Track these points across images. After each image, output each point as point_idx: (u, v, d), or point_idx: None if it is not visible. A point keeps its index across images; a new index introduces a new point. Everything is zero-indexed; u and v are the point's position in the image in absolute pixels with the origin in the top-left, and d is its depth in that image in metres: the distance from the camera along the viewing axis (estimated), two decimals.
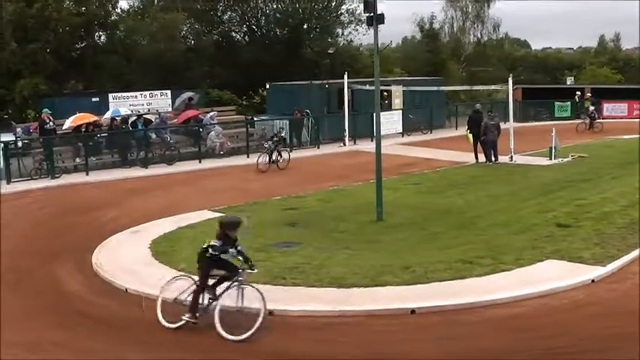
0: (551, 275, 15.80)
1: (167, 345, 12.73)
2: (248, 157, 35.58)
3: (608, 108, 58.85)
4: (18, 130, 34.49)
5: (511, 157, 33.66)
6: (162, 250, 18.46)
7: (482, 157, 33.57)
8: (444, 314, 13.71)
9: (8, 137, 31.92)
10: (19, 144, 32.30)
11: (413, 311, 13.77)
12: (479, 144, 33.94)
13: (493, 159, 33.27)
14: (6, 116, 46.19)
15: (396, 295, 14.54)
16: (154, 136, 34.59)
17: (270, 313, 13.79)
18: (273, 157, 32.02)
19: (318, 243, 18.57)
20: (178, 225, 21.18)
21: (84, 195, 27.06)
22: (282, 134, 32.99)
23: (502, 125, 35.08)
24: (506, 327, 13.17)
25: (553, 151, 33.43)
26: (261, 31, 61.02)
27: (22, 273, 17.33)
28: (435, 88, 46.20)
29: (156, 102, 42.55)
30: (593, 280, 15.66)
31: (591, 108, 51.52)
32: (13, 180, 29.60)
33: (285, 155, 32.27)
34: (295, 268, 16.34)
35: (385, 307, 13.99)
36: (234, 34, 61.79)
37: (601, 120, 51.69)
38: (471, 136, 34.73)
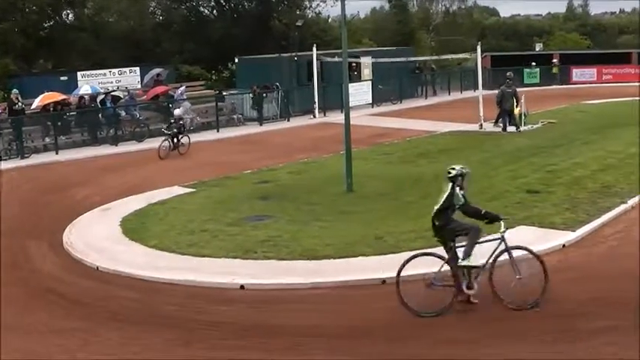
0: (523, 241, 15.79)
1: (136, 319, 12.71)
2: (218, 131, 35.58)
3: (577, 73, 59.08)
4: None
5: (480, 125, 33.67)
6: (133, 227, 18.38)
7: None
8: (415, 283, 13.64)
9: None
10: None
11: (384, 281, 13.76)
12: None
13: (515, 128, 32.74)
14: None
15: (367, 266, 14.58)
16: (123, 113, 34.39)
17: (242, 287, 13.84)
18: (176, 142, 29.95)
19: (289, 216, 18.53)
20: (149, 202, 21.08)
21: (54, 174, 26.87)
22: (182, 121, 31.01)
23: (472, 93, 35.05)
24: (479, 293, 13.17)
25: (522, 117, 33.45)
26: (230, 5, 60.56)
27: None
28: (404, 59, 46.00)
29: (125, 79, 42.40)
30: (564, 245, 15.76)
31: None
32: None
33: (184, 141, 30.37)
34: (267, 242, 16.31)
35: (357, 278, 14.00)
36: (202, 8, 61.30)
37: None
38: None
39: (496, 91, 35.16)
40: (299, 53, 44.25)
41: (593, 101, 44.07)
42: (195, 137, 32.75)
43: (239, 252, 15.63)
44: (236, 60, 45.79)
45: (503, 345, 11.01)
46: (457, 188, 12.34)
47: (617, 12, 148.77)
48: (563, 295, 12.83)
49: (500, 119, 33.50)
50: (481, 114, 33.79)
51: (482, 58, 38.51)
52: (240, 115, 38.86)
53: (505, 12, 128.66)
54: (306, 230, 17.12)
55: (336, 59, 37.68)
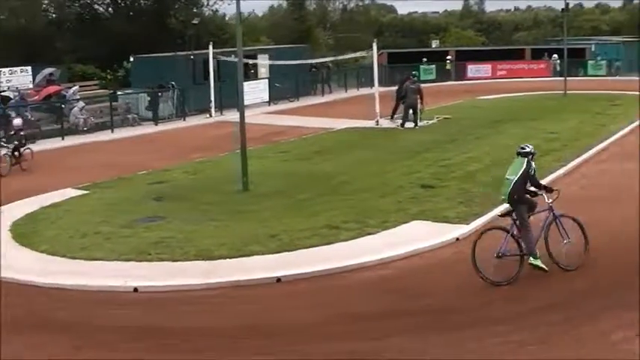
0: (417, 236, 16.02)
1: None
2: (113, 132, 35.02)
3: (472, 69, 60.12)
4: None
5: (377, 121, 33.88)
6: (23, 231, 17.87)
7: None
8: (310, 281, 13.73)
9: None
10: None
11: (279, 279, 13.74)
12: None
13: (413, 124, 33.08)
14: None
15: (262, 265, 14.50)
16: (13, 114, 33.52)
17: (135, 289, 13.64)
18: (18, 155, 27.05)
19: (184, 216, 18.29)
20: (41, 205, 20.58)
21: None
22: (22, 132, 28.00)
23: (369, 90, 35.29)
24: (375, 289, 13.29)
25: (419, 114, 33.75)
26: (126, 3, 59.73)
27: None
28: (299, 62, 46.03)
29: (16, 79, 41.31)
30: (457, 239, 15.96)
31: None
32: None
33: (27, 153, 27.45)
34: (161, 243, 16.07)
35: (251, 277, 13.91)
36: (97, 6, 60.29)
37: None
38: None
39: (393, 88, 35.48)
40: (195, 52, 43.89)
41: (488, 97, 44.87)
42: (89, 138, 32.25)
43: (132, 254, 15.37)
44: (131, 59, 45.13)
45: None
46: (533, 162, 13.76)
47: (512, 9, 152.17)
48: (458, 286, 13.13)
49: (396, 114, 33.87)
50: (377, 110, 34.02)
51: (378, 55, 38.79)
52: (136, 115, 38.33)
53: (402, 9, 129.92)
54: (200, 230, 16.93)
55: (233, 58, 37.47)
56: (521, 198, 13.58)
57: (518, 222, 13.57)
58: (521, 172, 13.52)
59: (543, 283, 13.06)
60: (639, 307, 10.10)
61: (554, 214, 13.80)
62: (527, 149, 13.84)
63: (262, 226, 17.04)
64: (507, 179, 13.62)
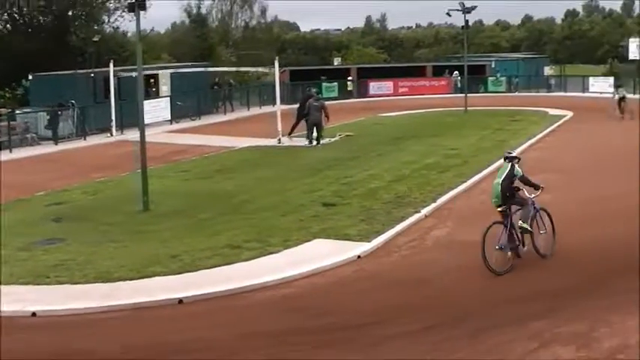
0: (319, 254, 16.07)
1: None
2: (11, 152, 34.40)
3: (374, 86, 60.73)
4: None
5: (279, 139, 33.97)
6: None
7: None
8: (212, 301, 13.66)
9: None
10: None
11: (180, 301, 13.63)
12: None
13: (315, 142, 33.25)
14: None
15: (163, 286, 14.33)
16: None
17: (34, 314, 13.36)
18: None
19: (83, 237, 18.04)
20: None
21: None
22: None
23: (271, 108, 35.38)
24: (277, 308, 13.28)
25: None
26: (24, 19, 58.66)
27: None
28: (202, 73, 45.99)
29: None
30: (359, 256, 16.05)
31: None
32: None
33: None
34: (60, 265, 15.76)
35: (153, 299, 13.75)
36: None
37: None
38: None
39: (295, 106, 35.62)
40: (96, 69, 43.44)
41: (390, 114, 45.45)
42: None
43: (30, 278, 15.03)
44: (30, 77, 44.37)
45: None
46: (517, 165, 15.48)
47: (414, 27, 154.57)
48: (359, 304, 13.16)
49: (294, 133, 34.07)
50: (279, 129, 34.10)
51: (280, 73, 38.94)
52: (35, 135, 37.71)
53: (305, 26, 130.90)
54: (100, 252, 16.69)
55: (134, 75, 37.20)
56: (512, 194, 15.31)
57: (518, 205, 15.41)
58: (506, 173, 15.29)
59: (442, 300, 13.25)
60: None
61: (535, 207, 15.48)
62: (512, 154, 16.04)
63: (163, 246, 16.91)
64: (494, 183, 15.49)
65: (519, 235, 15.28)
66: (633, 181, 20.94)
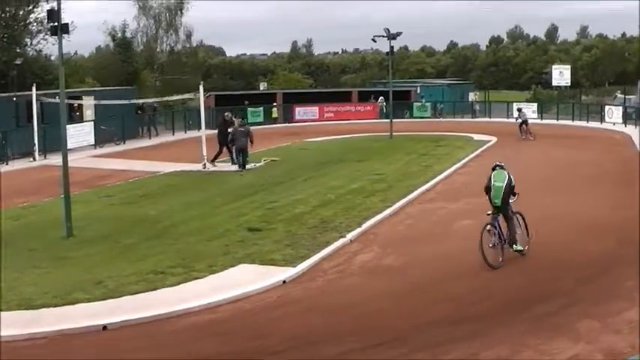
0: (244, 279, 16.08)
1: None
2: None
3: (300, 112, 60.95)
4: None
5: (204, 164, 33.90)
6: None
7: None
8: (136, 328, 13.56)
9: None
10: None
11: (105, 327, 13.51)
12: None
13: (241, 167, 33.15)
14: None
15: (87, 312, 14.18)
16: None
17: None
18: None
19: (5, 263, 17.66)
20: None
21: None
22: None
23: (197, 132, 35.30)
24: (202, 334, 13.26)
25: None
26: None
27: None
28: (126, 101, 45.63)
29: None
30: (284, 281, 16.10)
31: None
32: None
33: None
34: None
35: (77, 326, 13.59)
36: None
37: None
38: None
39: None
40: (18, 93, 42.91)
41: (316, 139, 45.67)
42: None
43: None
44: None
45: None
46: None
47: (340, 52, 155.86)
48: (285, 328, 13.23)
49: (218, 159, 34.06)
50: (204, 153, 34.05)
51: (205, 98, 38.91)
52: None
53: (231, 51, 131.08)
54: (22, 279, 16.42)
55: (57, 99, 36.83)
56: (507, 202, 17.13)
57: (505, 218, 17.15)
58: (506, 181, 17.09)
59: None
60: None
61: (512, 210, 17.34)
62: (503, 164, 17.73)
63: (87, 272, 16.74)
64: (497, 186, 17.14)
65: (504, 234, 17.08)
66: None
